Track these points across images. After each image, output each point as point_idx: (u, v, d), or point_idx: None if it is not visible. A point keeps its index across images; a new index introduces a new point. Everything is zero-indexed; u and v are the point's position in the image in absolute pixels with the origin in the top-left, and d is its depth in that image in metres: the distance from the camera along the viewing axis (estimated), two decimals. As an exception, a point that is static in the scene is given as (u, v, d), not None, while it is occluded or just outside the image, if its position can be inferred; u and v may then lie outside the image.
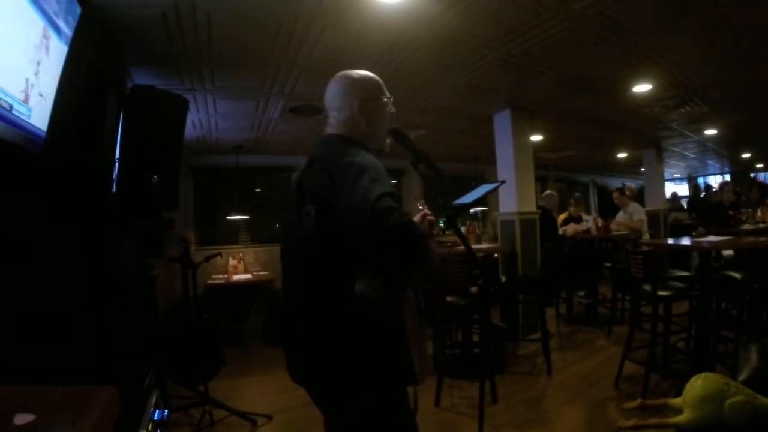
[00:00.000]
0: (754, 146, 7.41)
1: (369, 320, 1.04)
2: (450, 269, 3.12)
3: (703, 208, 6.29)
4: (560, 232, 5.31)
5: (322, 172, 1.07)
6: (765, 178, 9.97)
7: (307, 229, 1.06)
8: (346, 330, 1.04)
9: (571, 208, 6.11)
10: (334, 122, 1.25)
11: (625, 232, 5.19)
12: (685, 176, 11.21)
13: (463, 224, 5.92)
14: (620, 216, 5.62)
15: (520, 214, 4.14)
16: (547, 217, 4.87)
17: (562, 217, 6.01)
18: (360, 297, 1.01)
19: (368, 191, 0.94)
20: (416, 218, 1.34)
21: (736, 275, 2.91)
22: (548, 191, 5.49)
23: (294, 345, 1.15)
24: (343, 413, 1.11)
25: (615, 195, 5.69)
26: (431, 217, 1.33)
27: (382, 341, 1.04)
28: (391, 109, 1.30)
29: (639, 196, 6.92)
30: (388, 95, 1.30)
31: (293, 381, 1.17)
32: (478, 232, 5.84)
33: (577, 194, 6.67)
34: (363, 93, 1.23)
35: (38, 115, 1.38)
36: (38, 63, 1.36)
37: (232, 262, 5.43)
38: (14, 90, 1.23)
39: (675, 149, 7.15)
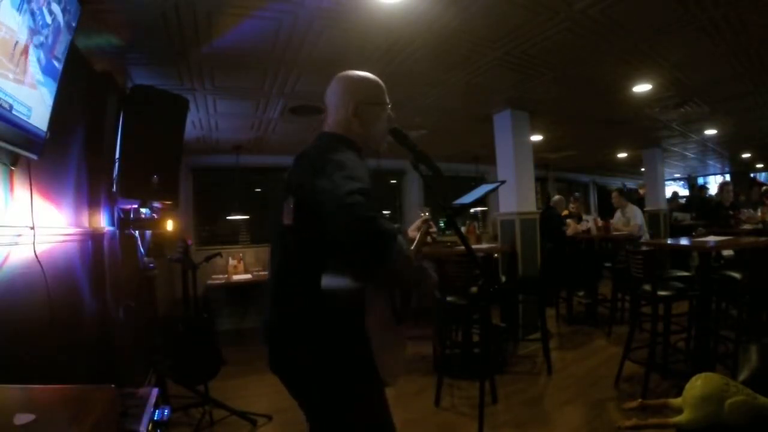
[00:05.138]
0: (754, 146, 7.40)
1: (338, 316, 1.04)
2: (450, 269, 3.12)
3: (703, 208, 6.28)
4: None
5: (307, 165, 1.11)
6: (764, 178, 9.96)
7: (287, 217, 1.10)
8: (321, 324, 1.06)
9: (572, 206, 6.12)
10: (330, 120, 1.27)
11: (624, 233, 5.19)
12: (685, 176, 11.19)
13: (463, 224, 5.93)
14: (617, 217, 5.60)
15: (520, 214, 4.13)
16: (553, 215, 4.89)
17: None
18: (325, 290, 1.02)
19: (340, 186, 0.98)
20: (416, 224, 1.35)
21: (736, 275, 2.91)
22: (558, 196, 5.61)
23: (276, 341, 1.15)
24: (321, 410, 1.11)
25: (614, 195, 5.68)
26: (431, 224, 1.31)
27: (350, 339, 1.04)
28: (391, 115, 1.31)
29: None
30: (388, 100, 1.30)
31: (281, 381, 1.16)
32: (478, 232, 5.84)
33: (576, 194, 6.68)
34: (360, 96, 1.24)
35: (38, 114, 1.38)
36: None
37: (232, 262, 5.43)
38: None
39: (675, 149, 7.14)
